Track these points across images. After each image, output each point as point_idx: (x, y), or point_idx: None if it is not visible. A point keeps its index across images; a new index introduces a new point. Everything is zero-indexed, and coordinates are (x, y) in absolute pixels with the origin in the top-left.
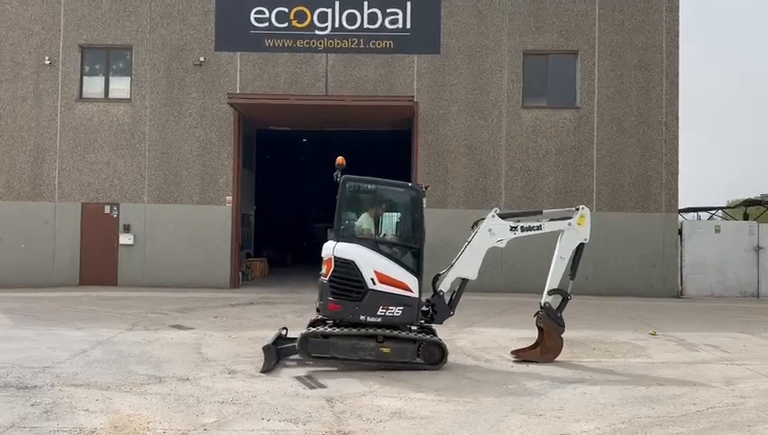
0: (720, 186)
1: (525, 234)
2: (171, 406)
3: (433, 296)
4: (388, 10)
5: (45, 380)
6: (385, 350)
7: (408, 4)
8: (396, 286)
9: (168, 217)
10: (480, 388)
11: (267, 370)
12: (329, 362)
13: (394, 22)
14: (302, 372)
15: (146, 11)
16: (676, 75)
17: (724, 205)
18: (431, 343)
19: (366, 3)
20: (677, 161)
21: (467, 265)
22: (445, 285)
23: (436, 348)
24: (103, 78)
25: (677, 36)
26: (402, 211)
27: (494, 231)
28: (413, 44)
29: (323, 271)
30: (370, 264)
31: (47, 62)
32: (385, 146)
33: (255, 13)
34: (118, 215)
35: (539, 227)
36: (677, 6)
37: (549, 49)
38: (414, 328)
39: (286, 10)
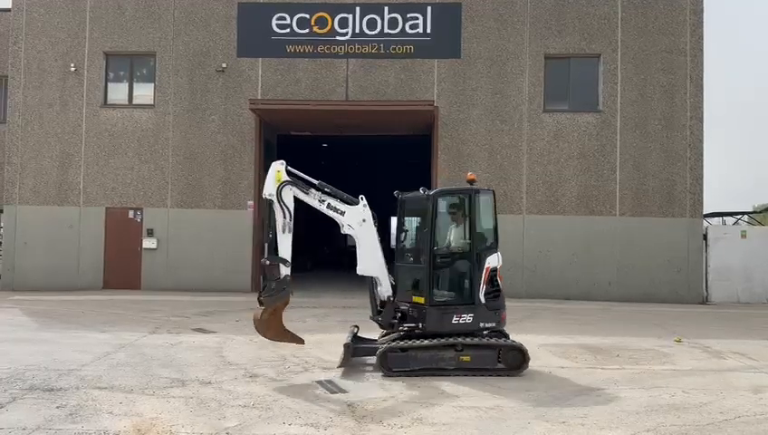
0: (746, 190)
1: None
2: (194, 410)
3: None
4: (409, 15)
5: (70, 382)
6: (465, 358)
7: (429, 8)
8: None
9: (190, 221)
10: (503, 394)
11: (343, 366)
12: (407, 373)
13: (414, 27)
14: (323, 376)
15: (169, 18)
16: (701, 78)
17: (750, 210)
18: (511, 348)
19: (386, 8)
20: (702, 165)
21: (367, 262)
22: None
23: (518, 352)
24: (127, 84)
25: (702, 39)
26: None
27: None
28: (433, 49)
29: (481, 285)
30: None
31: (72, 69)
32: (405, 150)
33: (277, 19)
34: (141, 219)
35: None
36: (702, 9)
37: (571, 52)
38: (485, 332)
39: (307, 16)
